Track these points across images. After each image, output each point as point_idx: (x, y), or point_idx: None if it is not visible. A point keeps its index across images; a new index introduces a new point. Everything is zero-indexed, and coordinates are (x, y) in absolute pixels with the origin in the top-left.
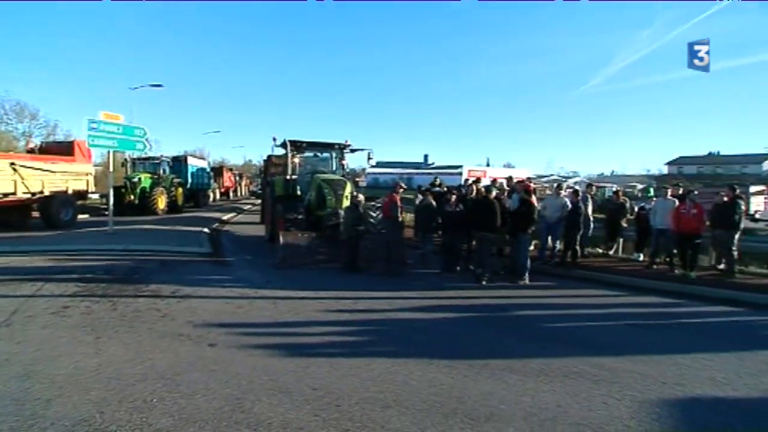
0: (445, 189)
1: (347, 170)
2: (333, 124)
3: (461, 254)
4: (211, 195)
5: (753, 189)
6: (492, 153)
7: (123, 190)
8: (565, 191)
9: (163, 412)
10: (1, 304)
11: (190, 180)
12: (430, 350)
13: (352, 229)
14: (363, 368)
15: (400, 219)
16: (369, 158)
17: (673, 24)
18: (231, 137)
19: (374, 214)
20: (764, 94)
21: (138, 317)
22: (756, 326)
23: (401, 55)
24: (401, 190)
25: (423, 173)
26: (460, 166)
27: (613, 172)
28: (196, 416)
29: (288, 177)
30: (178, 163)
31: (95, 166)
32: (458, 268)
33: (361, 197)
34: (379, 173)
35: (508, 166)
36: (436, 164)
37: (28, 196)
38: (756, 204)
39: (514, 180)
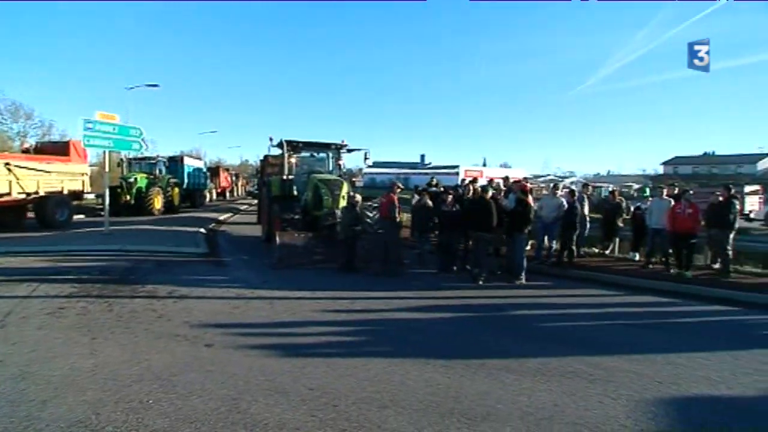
0: (442, 189)
1: (344, 170)
2: (330, 124)
3: (458, 254)
4: (208, 195)
5: (748, 189)
6: (489, 153)
7: (119, 190)
8: (562, 191)
9: (160, 412)
10: None
11: (186, 180)
12: (426, 350)
13: (349, 229)
14: (360, 368)
15: (397, 219)
16: (366, 158)
17: (669, 24)
18: (227, 137)
19: (371, 214)
20: (759, 94)
21: (134, 318)
22: (751, 325)
23: (398, 55)
24: (398, 190)
25: (420, 173)
26: (457, 166)
27: (609, 172)
28: (192, 417)
29: (285, 177)
30: (175, 163)
31: (91, 166)
32: (455, 268)
33: (358, 197)
34: (376, 173)
35: (505, 166)
36: (433, 164)
37: (24, 196)
38: (751, 204)
39: (511, 180)
